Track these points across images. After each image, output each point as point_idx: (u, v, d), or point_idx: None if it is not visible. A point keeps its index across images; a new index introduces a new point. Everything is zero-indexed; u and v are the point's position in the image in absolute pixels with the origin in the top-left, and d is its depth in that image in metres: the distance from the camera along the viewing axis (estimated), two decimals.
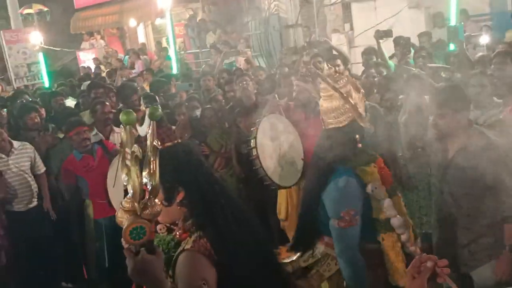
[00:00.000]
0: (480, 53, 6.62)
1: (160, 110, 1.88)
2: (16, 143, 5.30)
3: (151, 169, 1.77)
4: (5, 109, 6.36)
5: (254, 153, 4.18)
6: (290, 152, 4.45)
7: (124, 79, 9.53)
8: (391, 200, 2.91)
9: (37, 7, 18.09)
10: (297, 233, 3.21)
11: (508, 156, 3.05)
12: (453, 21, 7.09)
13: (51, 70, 14.09)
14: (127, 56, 14.99)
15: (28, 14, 17.80)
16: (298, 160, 4.41)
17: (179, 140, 2.23)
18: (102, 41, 18.42)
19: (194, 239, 2.02)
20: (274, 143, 4.39)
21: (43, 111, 6.33)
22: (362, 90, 2.94)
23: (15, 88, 12.71)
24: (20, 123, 5.94)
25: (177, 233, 2.12)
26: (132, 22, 16.90)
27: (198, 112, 5.91)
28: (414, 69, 5.94)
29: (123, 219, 1.77)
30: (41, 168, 5.35)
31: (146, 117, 1.97)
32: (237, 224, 2.10)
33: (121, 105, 6.38)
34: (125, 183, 1.83)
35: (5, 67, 14.59)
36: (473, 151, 3.10)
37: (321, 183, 2.92)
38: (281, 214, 5.00)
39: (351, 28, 11.23)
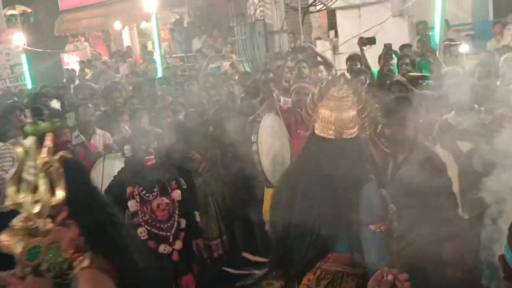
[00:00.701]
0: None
1: (40, 125, 1.86)
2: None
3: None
4: None
5: (254, 148, 4.28)
6: (282, 153, 4.60)
7: (108, 82, 9.51)
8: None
9: (20, 8, 17.93)
10: (279, 257, 2.91)
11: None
12: (437, 30, 7.19)
13: (34, 72, 13.97)
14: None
15: (12, 15, 17.64)
16: (287, 162, 4.51)
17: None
18: (86, 44, 18.33)
19: (90, 257, 1.96)
20: (270, 142, 4.53)
21: (27, 112, 6.29)
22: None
23: None
24: (4, 123, 5.86)
25: (67, 254, 1.99)
26: (117, 25, 16.85)
27: (181, 116, 5.92)
28: (396, 75, 6.05)
29: (9, 242, 1.73)
30: None
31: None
32: (126, 236, 2.13)
33: (105, 107, 6.38)
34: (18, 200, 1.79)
35: None
36: (412, 163, 3.16)
37: (343, 199, 2.70)
38: (267, 215, 5.02)
39: (336, 35, 11.34)
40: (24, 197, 1.80)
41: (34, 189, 1.81)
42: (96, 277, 1.91)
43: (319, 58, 7.57)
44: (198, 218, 4.18)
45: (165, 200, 3.83)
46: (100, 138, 5.54)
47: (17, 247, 1.71)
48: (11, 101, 7.40)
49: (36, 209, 1.79)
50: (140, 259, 2.14)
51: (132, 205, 3.78)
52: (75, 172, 2.07)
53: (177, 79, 8.90)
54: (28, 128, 1.77)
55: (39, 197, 1.80)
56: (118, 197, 3.77)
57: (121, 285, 1.98)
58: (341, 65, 9.42)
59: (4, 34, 14.04)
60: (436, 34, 7.34)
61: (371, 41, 6.86)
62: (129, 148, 3.89)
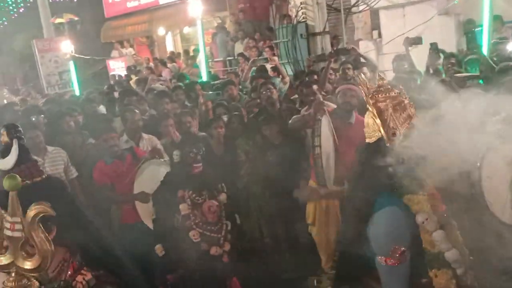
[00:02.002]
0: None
1: (18, 179, 1.75)
2: (50, 148, 5.40)
3: None
4: (42, 115, 6.48)
5: (317, 151, 4.45)
6: (330, 156, 4.70)
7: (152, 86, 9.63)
8: (444, 231, 2.53)
9: (68, 16, 18.47)
10: (339, 267, 2.93)
11: None
12: (485, 27, 6.96)
13: (82, 79, 14.34)
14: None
15: (60, 23, 18.17)
16: (332, 165, 4.71)
17: (45, 175, 2.14)
18: (131, 49, 18.68)
19: (93, 274, 1.95)
20: (326, 144, 4.67)
21: (80, 117, 6.46)
22: (410, 111, 2.62)
23: (46, 95, 12.94)
24: (55, 128, 6.03)
25: (66, 275, 1.97)
26: (161, 31, 17.11)
27: (225, 119, 5.94)
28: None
29: None
30: (74, 173, 5.42)
31: (12, 150, 1.93)
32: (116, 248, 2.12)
33: (152, 111, 6.49)
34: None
35: (37, 75, 14.92)
36: None
37: (361, 215, 2.62)
38: (309, 218, 5.05)
39: (379, 36, 11.15)
40: (9, 257, 1.74)
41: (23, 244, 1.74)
42: None
43: (362, 60, 7.47)
44: (238, 221, 4.21)
45: (215, 202, 3.90)
46: (147, 142, 5.59)
47: None
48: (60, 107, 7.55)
49: (32, 264, 1.74)
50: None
51: (184, 208, 3.85)
52: (59, 191, 2.10)
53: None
54: (6, 183, 1.69)
55: (32, 252, 1.75)
56: (167, 201, 3.85)
57: None
58: (384, 65, 9.26)
59: (53, 42, 14.48)
60: (484, 32, 7.11)
61: (417, 41, 6.73)
62: (178, 154, 3.96)
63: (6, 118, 6.53)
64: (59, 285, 1.93)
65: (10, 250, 1.75)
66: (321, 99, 5.00)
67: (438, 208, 2.56)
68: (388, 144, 2.52)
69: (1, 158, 1.97)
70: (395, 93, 2.62)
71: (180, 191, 3.88)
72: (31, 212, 1.72)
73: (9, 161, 1.94)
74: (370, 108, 2.61)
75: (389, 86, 2.66)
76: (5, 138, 2.20)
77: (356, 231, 2.64)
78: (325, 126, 4.74)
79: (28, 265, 1.74)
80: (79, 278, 1.93)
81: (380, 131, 2.55)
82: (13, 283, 1.74)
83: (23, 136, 2.22)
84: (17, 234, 1.72)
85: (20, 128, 2.16)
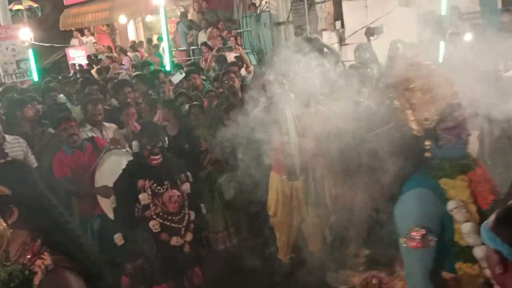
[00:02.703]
0: None
1: None
2: (8, 137, 5.25)
3: None
4: None
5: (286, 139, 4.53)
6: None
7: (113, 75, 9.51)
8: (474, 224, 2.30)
9: (27, 3, 17.92)
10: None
11: None
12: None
13: (41, 67, 14.00)
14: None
15: (18, 10, 17.64)
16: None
17: (10, 158, 2.15)
18: (92, 38, 18.31)
19: (52, 258, 1.92)
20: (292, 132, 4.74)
21: (39, 106, 6.32)
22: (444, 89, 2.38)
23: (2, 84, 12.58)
24: (14, 117, 5.88)
25: (25, 258, 1.96)
26: (122, 19, 16.81)
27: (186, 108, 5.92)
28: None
29: None
30: (33, 163, 5.27)
31: None
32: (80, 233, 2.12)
33: (113, 100, 6.38)
34: None
35: None
36: None
37: (391, 195, 2.47)
38: (271, 210, 5.00)
39: (342, 26, 11.25)
40: None
41: None
42: (63, 279, 1.88)
43: (325, 50, 7.51)
44: (204, 211, 4.16)
45: (177, 192, 3.83)
46: (109, 131, 5.54)
47: None
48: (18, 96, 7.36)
49: None
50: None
51: (144, 198, 3.78)
52: (22, 174, 2.04)
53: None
54: None
55: None
56: (128, 190, 3.81)
57: (86, 280, 1.96)
58: (347, 56, 9.36)
59: (10, 29, 14.02)
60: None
61: (378, 31, 6.78)
62: (137, 145, 3.89)
63: None
64: (18, 268, 1.91)
65: None
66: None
67: (482, 201, 2.37)
68: (419, 133, 2.39)
69: None
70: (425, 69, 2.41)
71: (141, 180, 3.81)
72: None
73: None
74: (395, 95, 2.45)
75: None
76: None
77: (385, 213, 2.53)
78: (289, 114, 4.72)
79: None
80: (38, 262, 1.91)
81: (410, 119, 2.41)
82: None
83: None
84: None
85: None
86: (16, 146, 5.22)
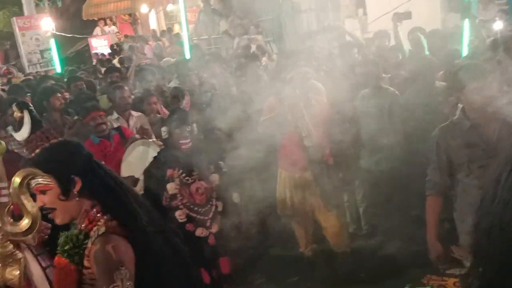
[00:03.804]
0: (492, 38, 6.51)
1: (3, 144, 1.88)
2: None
3: None
4: (28, 94, 6.38)
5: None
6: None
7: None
8: None
9: None
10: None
11: None
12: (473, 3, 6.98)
13: (63, 57, 14.13)
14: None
15: (40, 0, 17.82)
16: None
17: (61, 139, 2.33)
18: (114, 28, 18.43)
19: (105, 223, 2.04)
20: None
21: (66, 94, 6.38)
22: None
23: (28, 74, 12.75)
24: (43, 106, 5.90)
25: (83, 226, 2.12)
26: (144, 8, 16.89)
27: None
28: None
29: None
30: None
31: (25, 122, 1.99)
32: (138, 204, 2.20)
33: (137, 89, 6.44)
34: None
35: (18, 53, 14.67)
36: None
37: None
38: (279, 209, 4.83)
39: (365, 13, 11.14)
40: None
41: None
42: (111, 244, 1.98)
43: (348, 38, 7.47)
44: (237, 199, 4.00)
45: (204, 184, 3.77)
46: (137, 119, 5.52)
47: (14, 276, 1.81)
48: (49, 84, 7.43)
49: (22, 227, 1.81)
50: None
51: (171, 187, 3.75)
52: (75, 148, 2.22)
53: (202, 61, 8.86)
54: None
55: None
56: (158, 179, 3.77)
57: (136, 248, 2.05)
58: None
59: (34, 19, 14.18)
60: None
61: (407, 16, 6.65)
62: (166, 130, 3.87)
63: None
64: (75, 233, 2.10)
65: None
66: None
67: None
68: None
69: (18, 131, 2.10)
70: None
71: (169, 170, 3.78)
72: (17, 177, 1.82)
73: (25, 131, 2.07)
74: None
75: None
76: (18, 114, 2.40)
77: None
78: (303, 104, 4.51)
79: (17, 229, 1.82)
80: (94, 228, 2.05)
81: None
82: (0, 249, 1.80)
83: (32, 108, 2.39)
84: (4, 199, 1.78)
85: (29, 103, 2.32)
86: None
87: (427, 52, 6.36)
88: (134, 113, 5.60)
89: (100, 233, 2.01)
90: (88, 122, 4.99)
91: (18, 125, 2.24)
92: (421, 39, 6.71)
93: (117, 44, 15.48)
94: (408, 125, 5.02)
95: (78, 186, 2.09)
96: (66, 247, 2.07)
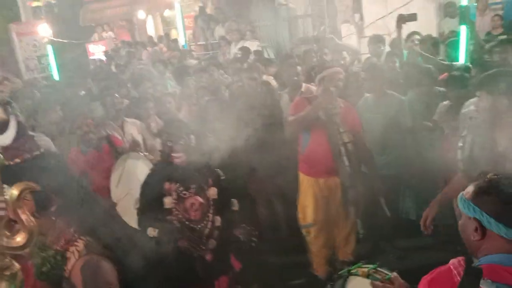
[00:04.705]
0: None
1: (1, 157, 1.85)
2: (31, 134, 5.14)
3: None
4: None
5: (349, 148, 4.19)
6: None
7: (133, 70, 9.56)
8: None
9: None
10: None
11: None
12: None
13: (61, 63, 14.11)
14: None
15: (37, 6, 17.83)
16: None
17: (43, 150, 2.20)
18: (111, 33, 18.45)
19: (85, 245, 1.98)
20: None
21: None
22: None
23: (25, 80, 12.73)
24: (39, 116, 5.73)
25: (58, 246, 2.02)
26: (141, 14, 16.90)
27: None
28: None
29: None
30: None
31: (10, 127, 1.94)
32: (115, 220, 2.12)
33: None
34: None
35: (15, 59, 14.66)
36: None
37: None
38: (308, 218, 4.74)
39: (361, 18, 11.16)
40: None
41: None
42: (96, 266, 1.93)
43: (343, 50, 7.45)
44: (236, 206, 3.74)
45: (199, 199, 3.50)
46: (131, 126, 5.38)
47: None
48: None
49: (18, 242, 1.76)
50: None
51: (168, 201, 3.51)
52: (58, 164, 2.16)
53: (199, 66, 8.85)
54: None
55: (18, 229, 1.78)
56: (155, 192, 3.52)
57: (119, 268, 2.00)
58: (366, 48, 9.28)
59: (31, 25, 14.19)
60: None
61: (412, 17, 6.46)
62: (159, 142, 3.67)
63: None
64: (51, 254, 1.99)
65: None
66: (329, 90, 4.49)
67: None
68: None
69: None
70: None
71: (167, 183, 3.52)
72: (15, 190, 1.75)
73: (8, 136, 1.99)
74: None
75: None
76: (1, 115, 2.23)
77: None
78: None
79: (13, 243, 1.76)
80: (71, 248, 1.97)
81: None
82: None
83: (19, 113, 2.30)
84: (1, 213, 1.74)
85: (15, 105, 2.22)
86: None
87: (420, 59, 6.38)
88: (129, 120, 5.48)
89: (82, 254, 1.95)
90: (76, 130, 4.81)
91: (0, 128, 2.14)
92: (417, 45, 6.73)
93: (114, 50, 15.47)
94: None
95: (54, 205, 2.02)
96: (44, 269, 1.98)
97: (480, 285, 1.76)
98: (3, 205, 1.75)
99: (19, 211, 1.75)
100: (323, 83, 4.58)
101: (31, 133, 4.93)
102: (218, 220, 3.60)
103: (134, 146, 4.88)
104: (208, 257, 3.53)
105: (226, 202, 3.68)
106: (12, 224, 1.80)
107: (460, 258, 1.92)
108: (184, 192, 3.51)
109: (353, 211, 4.69)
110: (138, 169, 4.15)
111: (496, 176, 1.89)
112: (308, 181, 4.70)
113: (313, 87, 5.06)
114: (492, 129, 3.38)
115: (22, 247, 1.77)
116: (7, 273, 1.80)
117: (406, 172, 5.04)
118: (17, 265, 1.85)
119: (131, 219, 4.04)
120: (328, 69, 4.66)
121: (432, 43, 6.81)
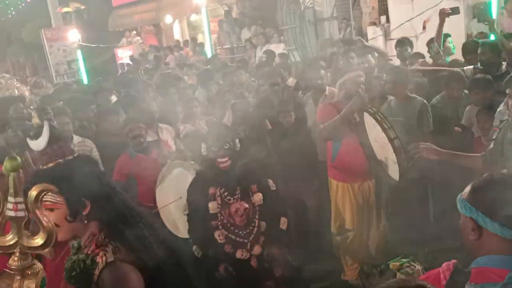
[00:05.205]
0: None
1: (19, 160, 1.82)
2: (76, 138, 5.05)
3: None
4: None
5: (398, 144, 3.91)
6: None
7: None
8: None
9: (74, 5, 18.49)
10: None
11: None
12: (494, 10, 6.83)
13: (89, 68, 14.38)
14: None
15: (66, 12, 18.20)
16: None
17: (76, 154, 2.19)
18: (138, 38, 18.71)
19: (113, 251, 1.97)
20: None
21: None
22: None
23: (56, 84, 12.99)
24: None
25: (89, 250, 2.03)
26: (168, 19, 17.12)
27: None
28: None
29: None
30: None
31: (44, 130, 1.98)
32: (147, 228, 2.12)
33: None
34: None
35: (46, 65, 14.98)
36: None
37: None
38: (346, 224, 4.69)
39: (387, 21, 11.10)
40: (13, 237, 1.80)
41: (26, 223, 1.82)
42: (122, 272, 1.93)
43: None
44: (284, 225, 3.61)
45: (244, 205, 3.47)
46: (165, 132, 5.32)
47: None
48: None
49: (38, 241, 1.81)
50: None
51: (213, 206, 3.50)
52: (89, 167, 2.14)
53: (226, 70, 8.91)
54: (7, 165, 1.76)
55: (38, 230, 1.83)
56: (200, 197, 3.53)
57: (146, 277, 1.98)
58: (393, 51, 9.22)
59: (61, 31, 14.49)
60: (493, 14, 6.97)
61: (455, 11, 6.29)
62: (204, 147, 3.58)
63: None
64: (82, 258, 2.00)
65: (14, 230, 1.80)
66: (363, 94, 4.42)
67: None
68: None
69: (34, 139, 2.02)
70: None
71: (211, 188, 3.52)
72: (34, 191, 1.80)
73: (41, 141, 2.02)
74: None
75: None
76: (36, 120, 2.27)
77: None
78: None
79: (33, 243, 1.82)
80: (100, 253, 1.98)
81: None
82: (18, 262, 1.80)
83: (53, 118, 2.32)
84: (21, 214, 1.78)
85: (50, 111, 2.26)
86: (82, 149, 4.90)
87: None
88: (162, 125, 5.37)
89: (108, 261, 1.95)
90: (127, 134, 4.75)
91: (36, 133, 2.17)
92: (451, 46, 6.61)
93: (141, 54, 15.70)
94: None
95: (87, 209, 2.04)
96: (73, 273, 2.00)
97: None
98: (22, 206, 1.80)
99: (37, 212, 1.80)
100: (345, 87, 4.58)
101: (76, 137, 5.03)
102: (263, 226, 3.55)
103: (179, 153, 4.83)
104: (253, 262, 3.50)
105: (274, 213, 3.60)
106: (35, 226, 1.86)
107: (451, 262, 1.93)
108: (229, 197, 3.51)
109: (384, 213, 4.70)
110: (183, 176, 4.11)
111: (491, 176, 1.91)
112: (342, 187, 4.67)
113: (336, 90, 5.04)
114: None
115: (42, 246, 1.82)
116: (29, 272, 1.86)
117: (431, 175, 4.97)
118: (39, 265, 1.91)
119: (173, 226, 4.17)
120: (349, 73, 4.64)
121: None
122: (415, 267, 2.37)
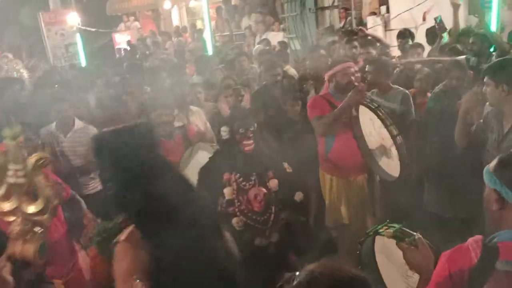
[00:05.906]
0: None
1: (17, 129, 1.88)
2: (78, 123, 4.88)
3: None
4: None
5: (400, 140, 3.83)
6: None
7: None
8: None
9: None
10: None
11: None
12: (494, 2, 6.87)
13: (88, 51, 14.30)
14: None
15: None
16: None
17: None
18: (137, 23, 18.61)
19: (130, 230, 1.97)
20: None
21: None
22: None
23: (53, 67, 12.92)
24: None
25: (119, 218, 2.08)
26: (166, 4, 17.02)
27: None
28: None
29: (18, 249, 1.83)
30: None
31: None
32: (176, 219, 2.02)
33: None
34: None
35: (43, 47, 14.88)
36: None
37: None
38: (342, 217, 4.66)
39: (388, 11, 11.09)
40: (13, 202, 1.85)
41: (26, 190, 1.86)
42: (126, 255, 1.92)
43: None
44: (298, 197, 3.63)
45: (263, 190, 3.47)
46: (194, 115, 5.23)
47: (29, 252, 1.85)
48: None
49: (36, 208, 1.87)
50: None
51: (228, 192, 3.46)
52: (147, 141, 2.19)
53: (227, 57, 8.88)
54: (6, 133, 1.80)
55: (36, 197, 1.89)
56: (212, 183, 3.47)
57: (156, 262, 1.96)
58: (392, 41, 9.23)
59: (59, 14, 14.37)
60: (494, 8, 7.00)
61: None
62: (227, 130, 3.52)
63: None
64: (110, 226, 2.10)
65: (15, 196, 1.87)
66: (362, 87, 4.29)
67: None
68: None
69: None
70: None
71: (226, 173, 3.49)
72: (32, 158, 1.87)
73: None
74: None
75: None
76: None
77: None
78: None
79: (32, 209, 1.88)
80: (127, 228, 2.00)
81: None
82: (19, 227, 1.87)
83: None
84: (21, 180, 1.84)
85: None
86: (81, 137, 4.83)
87: None
88: (193, 108, 5.28)
89: (121, 238, 1.95)
90: (153, 118, 4.65)
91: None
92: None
93: (139, 39, 15.62)
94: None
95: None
96: (98, 239, 2.08)
97: (496, 267, 1.82)
98: (22, 172, 1.85)
99: (36, 179, 1.85)
100: (335, 79, 4.51)
101: (78, 122, 4.78)
102: (282, 213, 3.54)
103: (202, 137, 4.75)
104: (271, 250, 3.50)
105: (290, 195, 3.60)
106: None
107: (478, 238, 1.97)
108: (244, 182, 3.49)
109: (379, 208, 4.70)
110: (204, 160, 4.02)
111: None
112: (337, 180, 4.63)
113: None
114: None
115: (40, 212, 1.88)
116: (29, 236, 1.91)
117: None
118: (38, 229, 1.96)
119: None
120: (340, 65, 4.54)
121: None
122: (411, 234, 2.30)
